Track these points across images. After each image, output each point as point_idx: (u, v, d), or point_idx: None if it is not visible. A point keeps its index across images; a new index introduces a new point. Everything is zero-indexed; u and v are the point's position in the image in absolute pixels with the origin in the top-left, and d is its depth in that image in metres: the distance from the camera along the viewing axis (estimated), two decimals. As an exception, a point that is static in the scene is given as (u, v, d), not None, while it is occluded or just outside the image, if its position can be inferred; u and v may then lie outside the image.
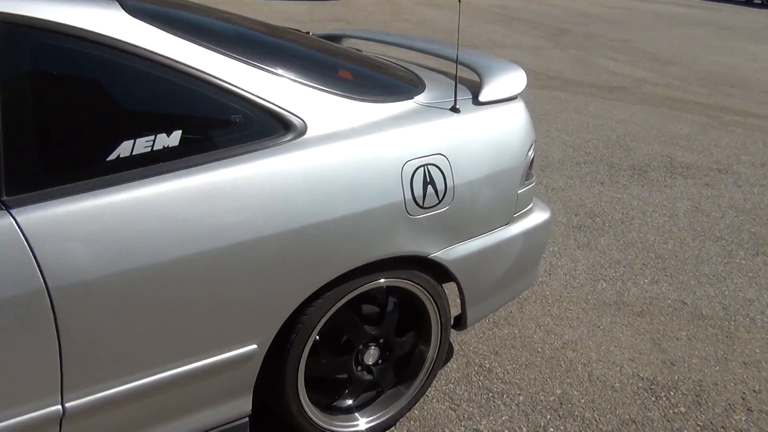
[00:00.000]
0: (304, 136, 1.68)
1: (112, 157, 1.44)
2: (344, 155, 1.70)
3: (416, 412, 2.17)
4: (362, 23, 10.71)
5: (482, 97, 2.04)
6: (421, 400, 2.23)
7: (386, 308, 1.97)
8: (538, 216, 2.25)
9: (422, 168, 1.83)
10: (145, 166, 1.48)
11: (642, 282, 3.10)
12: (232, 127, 1.60)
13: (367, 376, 2.00)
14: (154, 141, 1.49)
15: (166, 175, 1.48)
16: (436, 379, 2.33)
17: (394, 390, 2.10)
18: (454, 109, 1.96)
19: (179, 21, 1.71)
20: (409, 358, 2.12)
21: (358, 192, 1.71)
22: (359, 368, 1.98)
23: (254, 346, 1.66)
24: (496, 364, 2.44)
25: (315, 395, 1.92)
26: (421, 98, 1.97)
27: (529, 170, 2.17)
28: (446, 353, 2.27)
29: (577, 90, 6.92)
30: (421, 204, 1.83)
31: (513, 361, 2.46)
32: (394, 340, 2.01)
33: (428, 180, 1.84)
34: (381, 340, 1.98)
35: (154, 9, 1.69)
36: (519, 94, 2.17)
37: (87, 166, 1.42)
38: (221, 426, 1.72)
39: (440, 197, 1.87)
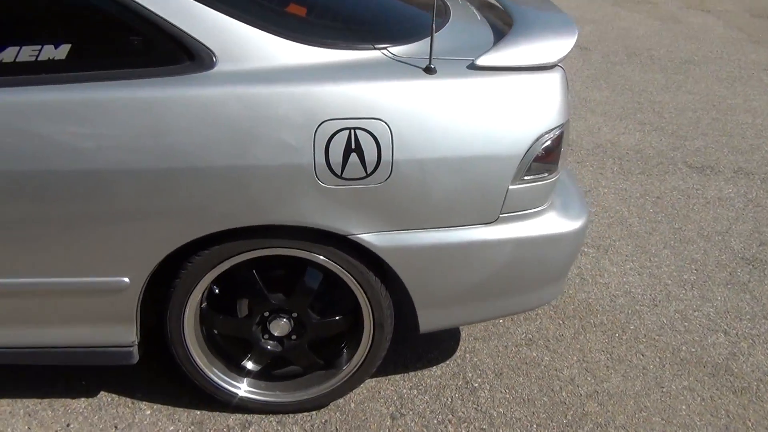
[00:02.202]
0: (209, 71, 1.53)
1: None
2: (246, 100, 1.51)
3: (352, 405, 1.94)
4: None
5: (481, 61, 1.61)
6: (368, 393, 1.98)
7: (301, 281, 1.77)
8: (550, 223, 1.75)
9: (347, 131, 1.53)
10: (25, 74, 1.49)
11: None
12: (130, 48, 1.53)
13: (274, 347, 1.85)
14: (39, 51, 1.49)
15: (45, 87, 1.48)
16: (403, 377, 2.06)
17: (321, 374, 1.90)
18: (428, 69, 1.58)
19: None
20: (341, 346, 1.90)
21: (250, 144, 1.51)
22: (265, 336, 1.82)
23: (125, 280, 1.63)
24: (487, 386, 2.03)
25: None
26: (398, 49, 1.63)
27: (544, 163, 1.68)
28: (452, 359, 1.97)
29: None
30: (339, 173, 1.55)
31: (511, 390, 2.02)
32: (307, 317, 1.81)
33: (353, 147, 1.54)
34: (294, 314, 1.78)
35: None
36: (555, 62, 1.67)
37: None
38: (106, 347, 1.74)
39: (368, 170, 1.55)
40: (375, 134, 1.55)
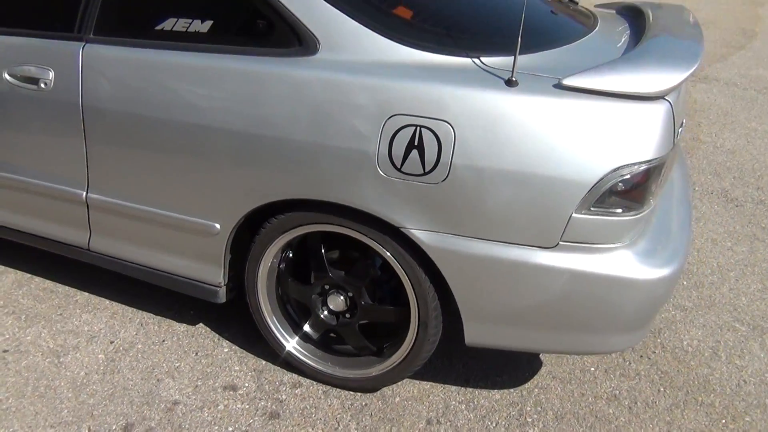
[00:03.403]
0: (312, 56, 1.72)
1: (159, 27, 1.83)
2: (331, 85, 1.68)
3: (397, 399, 1.98)
4: None
5: (568, 81, 1.56)
6: (417, 393, 2.01)
7: (359, 263, 1.89)
8: (620, 264, 1.63)
9: (413, 128, 1.61)
10: (176, 41, 1.82)
11: None
12: (257, 30, 1.79)
13: (329, 319, 1.99)
14: (190, 24, 1.81)
15: (186, 52, 1.81)
16: (459, 390, 2.04)
17: (368, 359, 1.99)
18: (509, 82, 1.58)
19: None
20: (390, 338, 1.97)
21: (326, 125, 1.68)
22: (324, 307, 1.95)
23: (217, 225, 1.89)
24: (540, 425, 1.92)
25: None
26: (494, 60, 1.66)
27: (623, 198, 1.57)
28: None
29: None
30: (398, 166, 1.63)
31: (566, 436, 1.87)
32: (361, 298, 1.91)
33: (415, 143, 1.61)
34: (350, 294, 1.88)
35: None
36: (654, 94, 1.54)
37: (141, 29, 1.88)
38: (195, 281, 2.04)
39: (426, 168, 1.61)
40: (438, 135, 1.61)
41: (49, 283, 2.43)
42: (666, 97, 1.61)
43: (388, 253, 1.79)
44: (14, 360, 2.06)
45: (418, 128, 1.63)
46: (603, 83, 1.58)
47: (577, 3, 2.49)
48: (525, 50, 1.76)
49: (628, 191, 1.61)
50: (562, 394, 2.09)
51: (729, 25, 8.50)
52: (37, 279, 2.45)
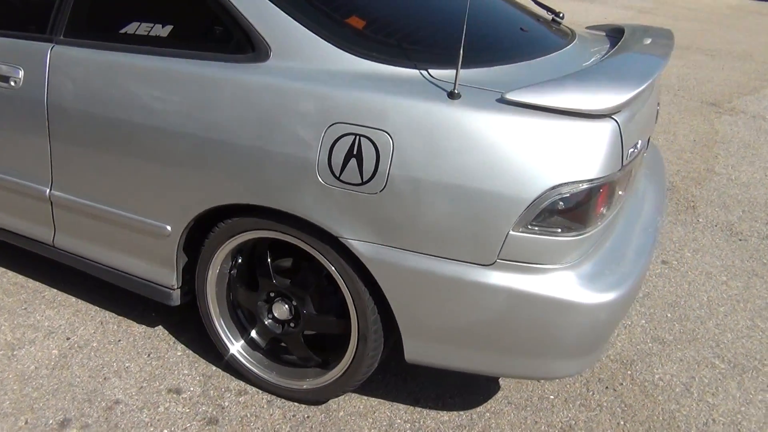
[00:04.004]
0: (263, 63, 1.74)
1: (123, 30, 1.88)
2: (278, 92, 1.69)
3: (341, 413, 1.95)
4: None
5: (510, 95, 1.54)
6: (363, 410, 1.98)
7: (302, 272, 1.88)
8: (560, 286, 1.58)
9: (352, 137, 1.60)
10: (138, 44, 1.86)
11: None
12: (212, 35, 1.82)
13: (274, 327, 1.98)
14: (152, 28, 1.85)
15: (146, 56, 1.85)
16: (407, 409, 2.00)
17: (311, 371, 1.97)
18: (451, 95, 1.56)
19: None
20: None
21: (272, 131, 1.69)
22: (269, 315, 1.94)
23: (168, 227, 1.92)
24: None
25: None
26: (444, 72, 1.64)
27: (563, 218, 1.53)
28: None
29: None
30: (337, 175, 1.62)
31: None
32: (304, 307, 1.90)
33: (354, 152, 1.60)
34: (293, 302, 1.87)
35: None
36: (599, 112, 1.51)
37: (106, 32, 1.93)
38: (150, 282, 2.06)
39: (364, 178, 1.60)
40: (377, 144, 1.60)
41: (21, 278, 2.49)
42: (613, 116, 1.58)
43: (329, 264, 1.77)
44: (-30, 350, 2.11)
45: (358, 137, 1.62)
46: (546, 99, 1.55)
47: (560, 21, 2.47)
48: (479, 64, 1.76)
49: (569, 210, 1.57)
50: (514, 420, 2.02)
51: (766, 59, 8.30)
52: (11, 274, 2.51)
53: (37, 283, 2.47)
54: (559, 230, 1.59)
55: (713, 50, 9.14)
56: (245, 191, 1.77)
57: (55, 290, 2.43)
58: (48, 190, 2.09)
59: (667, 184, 2.54)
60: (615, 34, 2.43)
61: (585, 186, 1.56)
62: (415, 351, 1.79)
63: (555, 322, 1.64)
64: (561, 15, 2.47)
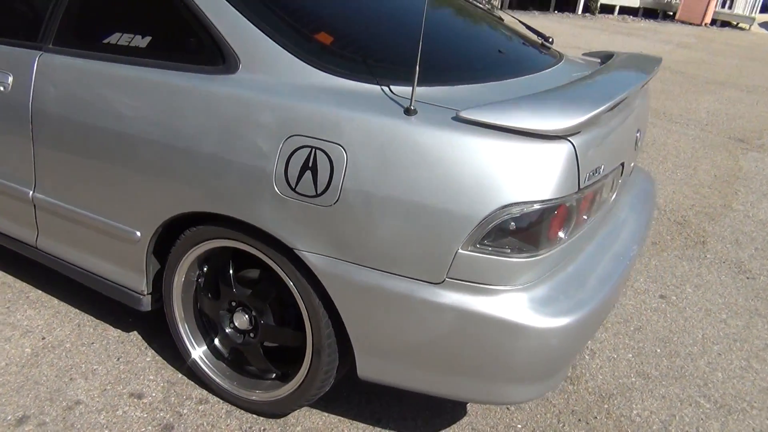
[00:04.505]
0: (231, 74, 1.78)
1: (106, 41, 1.94)
2: (241, 102, 1.72)
3: (298, 428, 1.93)
4: None
5: (465, 113, 1.53)
6: (323, 426, 1.95)
7: (261, 282, 1.89)
8: (510, 308, 1.55)
9: (309, 149, 1.62)
10: (118, 54, 1.91)
11: None
12: (187, 46, 1.87)
13: (234, 336, 1.99)
14: (132, 38, 1.91)
15: (123, 65, 1.91)
16: (367, 428, 1.98)
17: (268, 383, 1.97)
18: (408, 111, 1.57)
19: None
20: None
21: (232, 141, 1.72)
22: (230, 324, 1.95)
23: (138, 233, 1.95)
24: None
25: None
26: (403, 89, 1.65)
27: (514, 239, 1.50)
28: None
29: None
30: (293, 186, 1.63)
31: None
32: (262, 318, 1.91)
33: (309, 165, 1.62)
34: (253, 312, 1.88)
35: None
36: (553, 132, 1.49)
37: (91, 42, 2.00)
38: (121, 286, 2.10)
39: (318, 190, 1.61)
40: (332, 157, 1.61)
41: (9, 279, 2.56)
42: (569, 138, 1.56)
43: (285, 275, 1.78)
44: (-53, 344, 2.17)
45: (314, 149, 1.63)
46: (499, 118, 1.54)
47: (550, 46, 2.46)
48: (444, 83, 1.76)
49: (520, 231, 1.55)
50: (475, 447, 1.98)
51: (806, 97, 8.09)
52: (0, 273, 2.59)
53: (24, 284, 2.53)
54: (509, 251, 1.56)
55: (750, 86, 8.95)
56: (206, 200, 1.80)
57: (40, 291, 2.49)
58: (31, 192, 2.17)
59: (655, 215, 2.47)
60: (605, 60, 2.41)
61: (537, 207, 1.53)
62: (367, 368, 1.77)
63: (504, 345, 1.61)
64: (550, 40, 2.47)
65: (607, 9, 18.97)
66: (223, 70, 1.80)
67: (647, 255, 3.39)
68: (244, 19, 1.81)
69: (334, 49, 1.81)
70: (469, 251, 1.56)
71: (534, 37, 2.52)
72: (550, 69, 2.11)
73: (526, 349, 1.61)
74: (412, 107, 1.59)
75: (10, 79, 2.10)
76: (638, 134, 2.07)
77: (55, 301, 2.44)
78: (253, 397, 1.98)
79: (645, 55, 2.43)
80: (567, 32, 13.08)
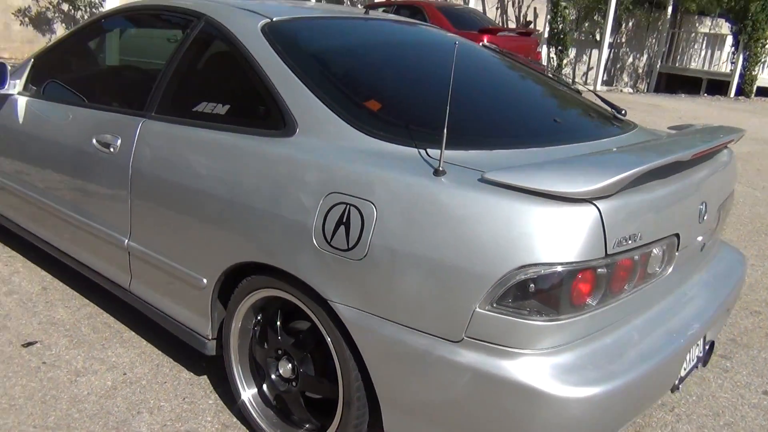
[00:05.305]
0: (289, 138, 1.95)
1: (195, 109, 2.20)
2: (292, 162, 1.90)
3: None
4: None
5: (489, 175, 1.56)
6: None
7: (303, 333, 1.99)
8: (528, 373, 1.53)
9: (344, 206, 1.73)
10: (202, 120, 2.16)
11: None
12: (258, 113, 2.09)
13: (278, 384, 2.07)
14: (215, 107, 2.14)
15: (203, 129, 2.16)
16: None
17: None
18: (437, 172, 1.63)
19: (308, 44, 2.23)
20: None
21: (281, 197, 1.88)
22: (276, 371, 2.04)
23: (204, 280, 2.12)
24: None
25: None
26: (436, 151, 1.71)
27: (534, 300, 1.49)
28: None
29: None
30: (329, 240, 1.74)
31: None
32: (303, 367, 1.99)
33: (343, 220, 1.73)
34: (294, 361, 1.95)
35: (290, 32, 2.25)
36: (583, 197, 1.48)
37: (183, 110, 2.29)
38: (185, 326, 2.29)
39: (349, 244, 1.71)
40: (363, 213, 1.70)
41: (111, 319, 2.85)
42: (594, 201, 1.53)
43: (321, 325, 1.86)
44: (45, 369, 2.45)
45: (348, 206, 1.74)
46: (522, 180, 1.57)
47: (623, 118, 2.41)
48: (481, 147, 1.83)
49: (539, 293, 1.53)
50: None
51: None
52: (105, 315, 2.89)
53: (121, 325, 2.81)
54: (528, 312, 1.54)
55: None
56: (258, 251, 1.95)
57: (132, 332, 2.75)
58: (127, 240, 2.45)
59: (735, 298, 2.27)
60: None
61: (557, 269, 1.51)
62: (392, 423, 1.78)
63: (522, 412, 1.56)
64: (623, 112, 2.43)
65: (765, 92, 17.83)
66: (283, 133, 1.99)
67: (756, 347, 3.08)
68: (305, 87, 2.00)
69: (381, 115, 1.94)
70: (486, 310, 1.56)
71: (607, 109, 2.51)
72: (608, 138, 2.09)
73: (544, 419, 1.55)
74: (440, 168, 1.67)
75: (119, 142, 2.44)
76: (702, 207, 1.96)
77: (144, 342, 2.69)
78: (289, 445, 2.05)
79: (725, 126, 2.32)
80: (713, 115, 12.43)
